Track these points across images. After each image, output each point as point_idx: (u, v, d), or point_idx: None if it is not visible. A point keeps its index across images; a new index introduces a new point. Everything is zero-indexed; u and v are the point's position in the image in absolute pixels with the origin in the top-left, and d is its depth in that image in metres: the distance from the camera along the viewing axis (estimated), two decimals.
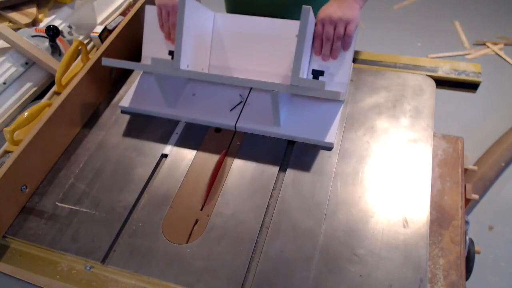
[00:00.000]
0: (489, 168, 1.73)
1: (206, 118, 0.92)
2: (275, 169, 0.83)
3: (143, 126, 0.95)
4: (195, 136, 0.91)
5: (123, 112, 0.99)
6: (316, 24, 0.86)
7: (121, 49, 1.05)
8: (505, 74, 2.23)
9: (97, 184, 0.86)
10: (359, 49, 1.04)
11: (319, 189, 0.79)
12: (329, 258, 0.70)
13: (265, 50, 0.95)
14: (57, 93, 1.06)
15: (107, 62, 0.90)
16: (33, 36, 1.20)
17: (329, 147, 0.85)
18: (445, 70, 0.99)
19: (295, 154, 0.85)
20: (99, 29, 1.13)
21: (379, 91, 0.94)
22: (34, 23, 1.25)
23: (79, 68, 1.09)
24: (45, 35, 1.19)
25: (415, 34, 2.49)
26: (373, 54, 1.06)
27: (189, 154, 0.88)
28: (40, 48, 1.18)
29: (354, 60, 1.04)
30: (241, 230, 0.75)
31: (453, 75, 0.98)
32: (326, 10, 0.86)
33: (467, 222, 0.83)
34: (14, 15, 1.23)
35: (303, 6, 0.79)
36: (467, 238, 0.80)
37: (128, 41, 1.06)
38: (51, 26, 1.18)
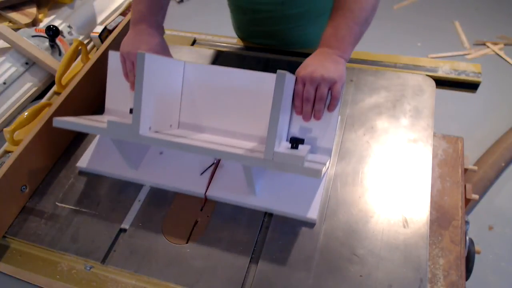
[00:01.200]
0: (489, 168, 1.73)
1: (173, 184, 0.82)
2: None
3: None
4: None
5: (80, 173, 0.89)
6: (296, 81, 0.74)
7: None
8: (505, 74, 2.23)
9: (97, 184, 0.86)
10: (359, 49, 1.03)
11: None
12: (329, 258, 0.70)
13: (242, 106, 0.82)
14: (57, 93, 1.06)
15: (58, 123, 0.80)
16: (33, 36, 1.20)
17: (311, 223, 0.75)
18: (445, 70, 0.99)
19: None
20: (99, 29, 1.13)
21: (379, 91, 0.94)
22: (34, 23, 1.25)
23: (79, 68, 1.09)
24: (45, 35, 1.19)
25: (415, 34, 2.48)
26: (373, 54, 1.06)
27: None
28: (40, 48, 1.18)
29: (354, 60, 1.04)
30: (241, 230, 0.75)
31: (453, 75, 0.98)
32: (307, 67, 0.74)
33: (467, 222, 0.83)
34: (14, 15, 1.23)
35: (278, 70, 0.66)
36: (467, 238, 0.80)
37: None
38: (51, 26, 1.18)
